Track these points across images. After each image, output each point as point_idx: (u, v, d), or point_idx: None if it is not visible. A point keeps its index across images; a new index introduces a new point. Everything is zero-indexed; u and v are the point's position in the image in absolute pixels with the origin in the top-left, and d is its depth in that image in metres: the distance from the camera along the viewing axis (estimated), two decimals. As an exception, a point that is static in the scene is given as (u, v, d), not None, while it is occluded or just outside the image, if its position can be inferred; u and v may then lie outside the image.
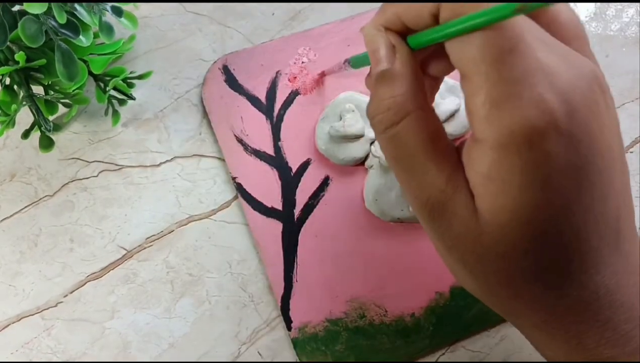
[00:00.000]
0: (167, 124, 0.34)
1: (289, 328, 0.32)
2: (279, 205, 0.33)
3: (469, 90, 0.17)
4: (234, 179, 0.33)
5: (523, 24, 0.16)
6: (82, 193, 0.33)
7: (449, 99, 0.32)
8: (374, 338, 0.32)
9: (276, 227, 0.33)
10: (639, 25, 0.38)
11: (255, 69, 0.34)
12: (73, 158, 0.33)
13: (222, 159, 0.34)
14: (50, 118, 0.30)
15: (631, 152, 0.37)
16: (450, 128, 0.32)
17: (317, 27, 0.35)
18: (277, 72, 0.34)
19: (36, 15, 0.25)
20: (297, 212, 0.33)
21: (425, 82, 0.22)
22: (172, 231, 0.33)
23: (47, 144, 0.31)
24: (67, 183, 0.33)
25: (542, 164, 0.16)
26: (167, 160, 0.33)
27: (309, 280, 0.32)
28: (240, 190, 0.33)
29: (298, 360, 0.32)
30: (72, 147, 0.33)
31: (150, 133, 0.34)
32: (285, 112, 0.34)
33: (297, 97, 0.34)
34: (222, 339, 0.32)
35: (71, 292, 0.32)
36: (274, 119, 0.33)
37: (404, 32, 0.20)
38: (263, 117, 0.33)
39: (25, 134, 0.30)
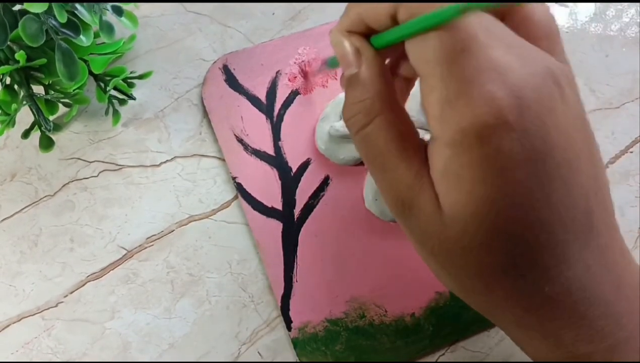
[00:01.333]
0: (168, 123, 0.34)
1: (289, 328, 0.32)
2: (279, 205, 0.33)
3: (424, 90, 0.18)
4: (234, 178, 0.33)
5: (476, 24, 0.17)
6: (83, 193, 0.33)
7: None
8: (374, 339, 0.32)
9: (276, 227, 0.33)
10: (639, 25, 0.38)
11: (256, 69, 0.34)
12: (73, 158, 0.33)
13: (222, 159, 0.34)
14: (51, 118, 0.30)
15: (631, 152, 0.37)
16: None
17: (317, 27, 0.35)
18: (277, 72, 0.34)
19: (37, 15, 0.25)
20: (297, 212, 0.33)
21: (397, 83, 0.23)
22: (173, 231, 0.33)
23: (47, 143, 0.31)
24: (67, 183, 0.33)
25: (493, 158, 0.17)
26: (167, 160, 0.33)
27: (309, 280, 0.32)
28: (241, 190, 0.33)
29: (298, 360, 0.32)
30: (72, 147, 0.33)
31: (150, 133, 0.34)
32: (285, 111, 0.34)
33: (297, 97, 0.34)
34: (222, 339, 0.32)
35: (71, 292, 0.32)
36: (274, 119, 0.33)
37: (369, 34, 0.20)
38: (263, 116, 0.33)
39: (26, 134, 0.30)
